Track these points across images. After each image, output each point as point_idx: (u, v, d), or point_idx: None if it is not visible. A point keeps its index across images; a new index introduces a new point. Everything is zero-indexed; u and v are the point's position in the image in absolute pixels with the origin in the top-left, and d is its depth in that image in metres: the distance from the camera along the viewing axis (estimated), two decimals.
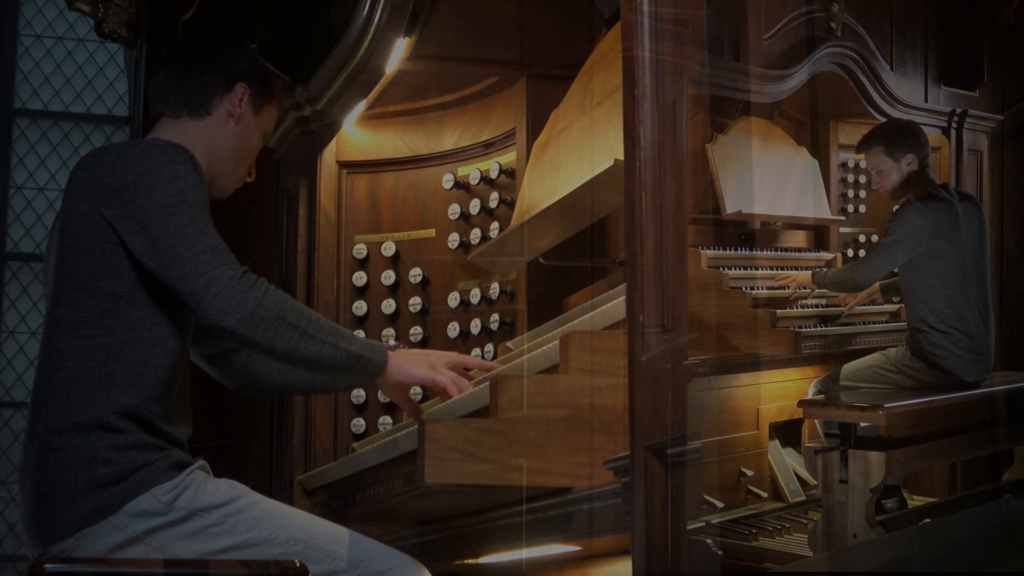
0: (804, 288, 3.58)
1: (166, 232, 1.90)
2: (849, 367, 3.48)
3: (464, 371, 2.31)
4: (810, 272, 3.61)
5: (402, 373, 2.11)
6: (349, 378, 2.35)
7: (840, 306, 3.66)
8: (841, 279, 3.58)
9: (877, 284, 3.70)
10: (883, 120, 3.81)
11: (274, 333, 1.90)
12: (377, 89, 3.64)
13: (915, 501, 3.58)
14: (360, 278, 3.89)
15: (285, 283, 4.04)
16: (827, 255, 3.90)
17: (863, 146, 3.57)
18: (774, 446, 3.57)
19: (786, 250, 3.83)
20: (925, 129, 3.87)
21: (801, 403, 3.28)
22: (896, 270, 3.54)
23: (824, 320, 3.60)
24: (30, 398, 2.04)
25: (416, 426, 2.40)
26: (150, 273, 1.95)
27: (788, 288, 3.58)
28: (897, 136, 3.51)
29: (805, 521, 3.39)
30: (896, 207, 3.49)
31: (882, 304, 3.80)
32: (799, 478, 3.56)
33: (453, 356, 2.30)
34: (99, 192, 1.96)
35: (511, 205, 3.51)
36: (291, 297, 1.97)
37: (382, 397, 3.77)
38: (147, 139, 2.08)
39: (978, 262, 3.44)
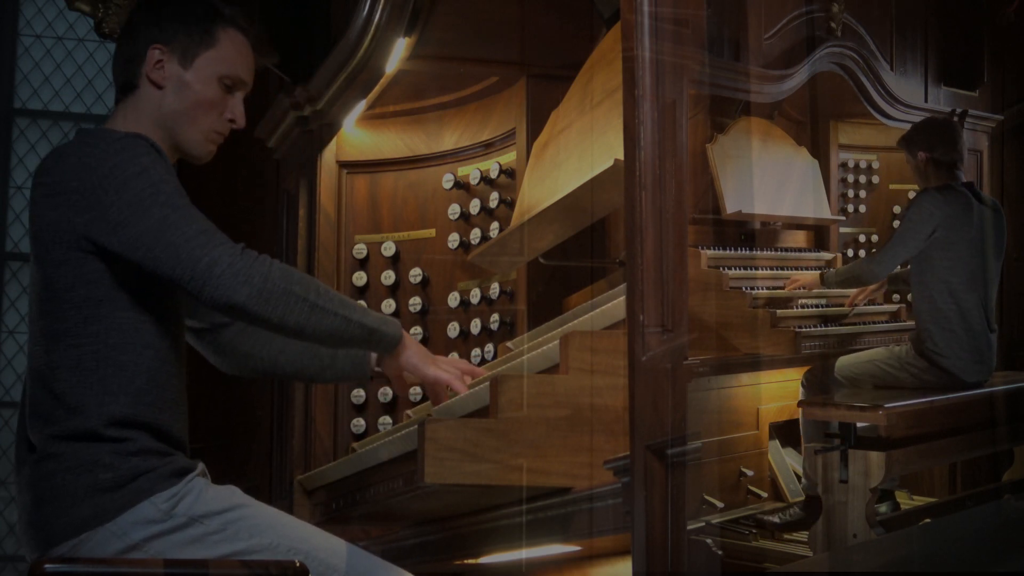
0: (804, 288, 3.58)
1: (148, 227, 1.85)
2: (847, 359, 3.47)
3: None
4: (817, 274, 3.61)
5: (409, 361, 2.08)
6: (351, 361, 2.29)
7: (841, 306, 3.66)
8: (856, 273, 3.56)
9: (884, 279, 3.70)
10: (883, 121, 3.82)
11: (284, 307, 1.86)
12: (377, 89, 3.64)
13: (915, 501, 3.58)
14: (360, 278, 3.89)
15: None
16: (827, 255, 3.90)
17: (901, 143, 3.62)
18: (774, 446, 3.57)
19: (786, 250, 3.83)
20: None
21: (801, 403, 3.28)
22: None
23: (824, 320, 3.60)
24: (22, 405, 2.00)
25: (416, 426, 2.40)
26: (129, 273, 1.90)
27: (797, 290, 3.58)
28: (915, 133, 3.57)
29: None
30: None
31: (881, 304, 3.80)
32: (799, 478, 3.56)
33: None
34: (66, 199, 1.90)
35: (511, 205, 3.51)
36: (296, 270, 1.91)
37: (381, 396, 3.78)
38: (103, 132, 1.99)
39: (989, 265, 3.44)
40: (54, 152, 1.99)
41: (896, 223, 4.09)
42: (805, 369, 3.49)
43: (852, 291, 3.65)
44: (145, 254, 1.87)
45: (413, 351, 2.09)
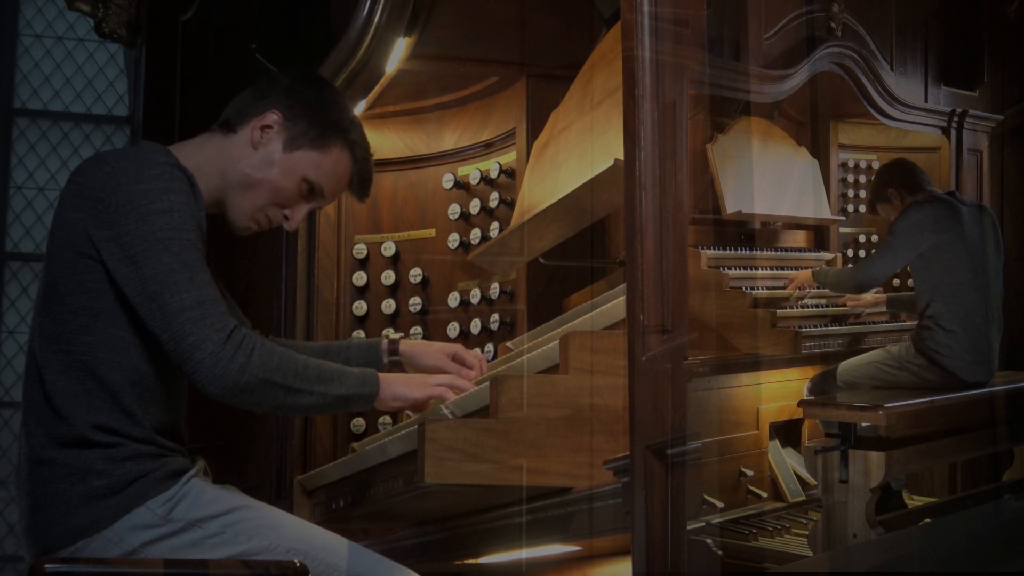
0: (804, 287, 3.58)
1: (153, 273, 1.85)
2: (847, 363, 3.48)
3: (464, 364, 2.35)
4: (811, 270, 3.61)
5: (395, 397, 2.13)
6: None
7: (843, 305, 3.66)
8: (842, 279, 3.59)
9: (884, 296, 3.71)
10: (883, 121, 3.82)
11: (259, 396, 1.89)
12: (377, 89, 3.64)
13: (915, 501, 3.58)
14: (360, 278, 3.89)
15: (285, 283, 4.03)
16: (827, 255, 3.90)
17: (872, 212, 3.72)
18: (774, 446, 3.57)
19: (786, 250, 3.83)
20: (924, 129, 3.89)
21: (801, 403, 3.28)
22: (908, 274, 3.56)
23: (825, 320, 3.60)
24: (22, 403, 2.00)
25: (416, 426, 2.40)
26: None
27: (795, 290, 3.58)
28: (875, 185, 3.67)
29: (805, 521, 3.39)
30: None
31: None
32: (799, 478, 3.56)
33: (457, 349, 2.34)
34: (90, 205, 1.89)
35: (511, 205, 3.51)
36: (277, 350, 1.93)
37: None
38: (153, 150, 1.97)
39: (988, 266, 3.44)
40: (95, 156, 1.99)
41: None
42: (805, 369, 3.49)
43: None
44: (141, 302, 1.87)
45: (396, 387, 2.13)
